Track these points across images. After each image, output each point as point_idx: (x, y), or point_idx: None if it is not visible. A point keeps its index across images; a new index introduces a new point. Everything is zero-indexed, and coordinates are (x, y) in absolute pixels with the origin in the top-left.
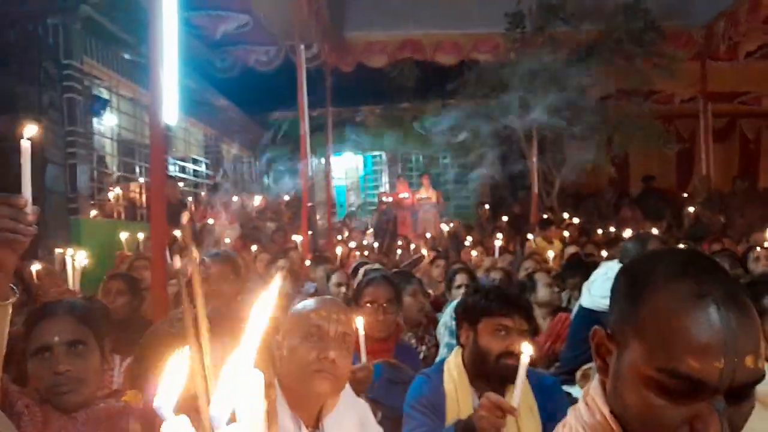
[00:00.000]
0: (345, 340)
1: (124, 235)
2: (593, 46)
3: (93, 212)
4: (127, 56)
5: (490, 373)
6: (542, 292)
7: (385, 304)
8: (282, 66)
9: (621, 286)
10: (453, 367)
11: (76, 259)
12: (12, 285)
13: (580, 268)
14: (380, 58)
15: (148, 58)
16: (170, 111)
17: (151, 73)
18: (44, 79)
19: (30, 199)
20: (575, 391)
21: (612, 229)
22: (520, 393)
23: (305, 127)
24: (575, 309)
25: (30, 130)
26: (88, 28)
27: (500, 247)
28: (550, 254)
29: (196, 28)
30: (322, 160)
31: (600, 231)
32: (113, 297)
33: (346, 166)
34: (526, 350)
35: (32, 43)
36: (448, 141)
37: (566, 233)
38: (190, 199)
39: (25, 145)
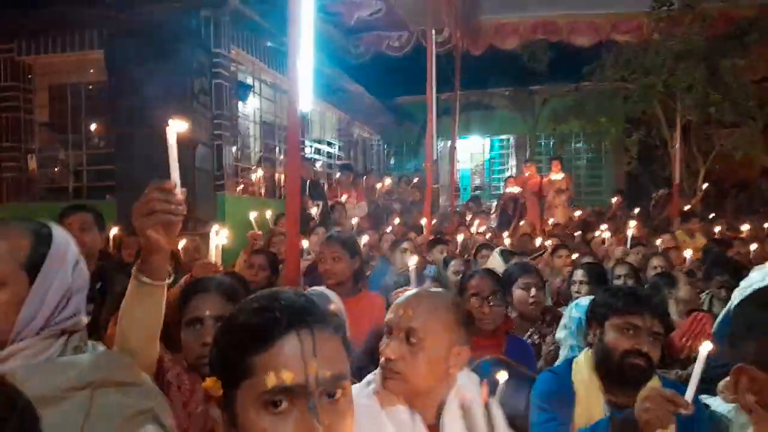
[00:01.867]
0: (410, 335)
1: (253, 215)
2: (752, 23)
3: (237, 189)
4: (269, 44)
5: (614, 372)
6: (683, 291)
7: (489, 297)
8: (411, 51)
9: None
10: (583, 366)
11: (220, 235)
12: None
13: (727, 267)
14: (512, 40)
15: (288, 47)
16: (305, 97)
17: (289, 62)
18: (196, 67)
19: (178, 183)
20: (715, 402)
21: (766, 225)
22: (693, 389)
23: (432, 110)
24: (722, 313)
25: (178, 125)
26: (235, 19)
27: (632, 238)
28: (687, 253)
29: (333, 15)
30: (448, 144)
31: (748, 227)
32: (255, 271)
33: (471, 150)
34: (705, 347)
35: (186, 35)
36: (581, 125)
37: (711, 228)
38: (322, 180)
39: (172, 136)
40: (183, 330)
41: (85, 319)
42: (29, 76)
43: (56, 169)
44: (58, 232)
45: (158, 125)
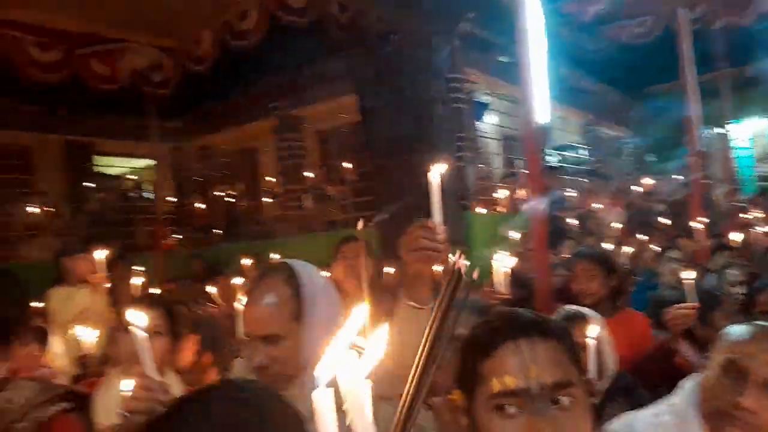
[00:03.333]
0: None
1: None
2: None
3: (482, 208)
4: (501, 59)
5: None
6: None
7: None
8: (658, 35)
9: None
10: None
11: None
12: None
13: None
14: None
15: (519, 60)
16: (542, 109)
17: (521, 77)
18: (434, 94)
19: (441, 221)
20: None
21: None
22: None
23: (692, 96)
24: None
25: (440, 167)
26: (466, 41)
27: None
28: None
29: (566, 16)
30: (717, 130)
31: None
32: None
33: (752, 133)
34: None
35: (421, 65)
36: None
37: None
38: (569, 190)
39: (435, 177)
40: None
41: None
42: (302, 126)
43: (327, 204)
44: (300, 269)
45: (407, 154)
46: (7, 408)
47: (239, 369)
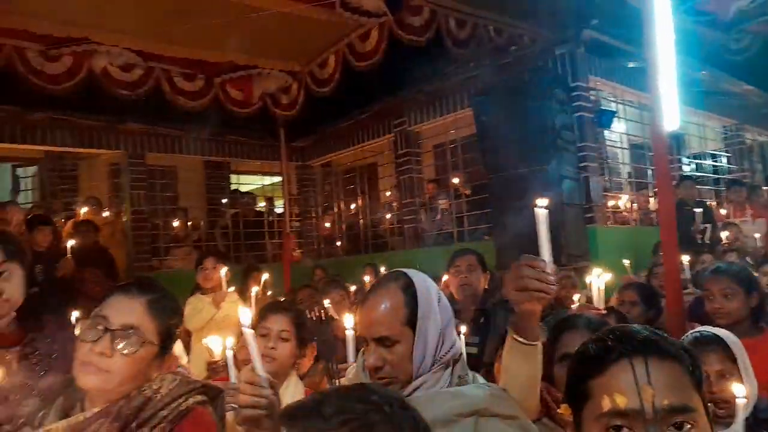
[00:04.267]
0: None
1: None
2: None
3: (608, 220)
4: (629, 65)
5: None
6: None
7: None
8: None
9: None
10: None
11: (601, 277)
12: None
13: None
14: None
15: (648, 65)
16: (672, 115)
17: (649, 83)
18: (556, 105)
19: (550, 260)
20: None
21: None
22: None
23: None
24: None
25: (544, 203)
26: (590, 48)
27: None
28: None
29: (703, 14)
30: None
31: None
32: (627, 307)
33: None
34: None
35: (543, 75)
36: None
37: None
38: (709, 200)
39: (542, 213)
40: (555, 365)
41: (460, 346)
42: (419, 142)
43: (441, 218)
44: (418, 279)
45: (524, 167)
46: (154, 397)
47: (351, 375)
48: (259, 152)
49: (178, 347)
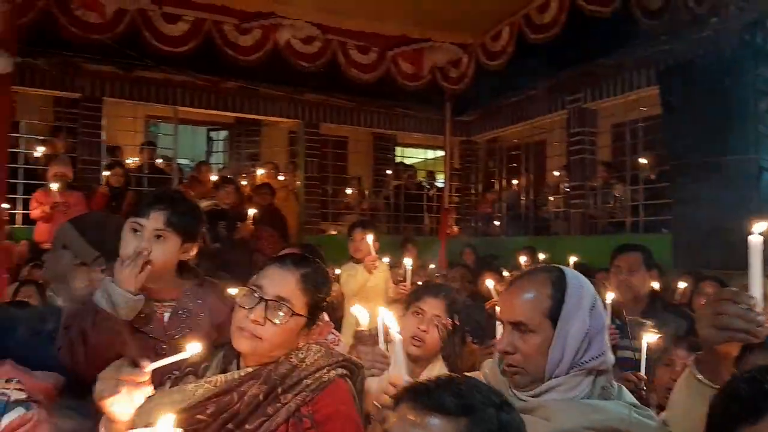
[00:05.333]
0: None
1: None
2: None
3: None
4: None
5: None
6: None
7: None
8: None
9: None
10: None
11: None
12: None
13: None
14: None
15: None
16: None
17: None
18: (760, 86)
19: (761, 297)
20: None
21: None
22: None
23: None
24: None
25: (761, 226)
26: None
27: None
28: None
29: None
30: None
31: None
32: None
33: None
34: None
35: (747, 51)
36: None
37: None
38: None
39: (757, 241)
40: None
41: (611, 359)
42: (594, 120)
43: (613, 204)
44: (572, 277)
45: (716, 154)
46: (299, 365)
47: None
48: (424, 126)
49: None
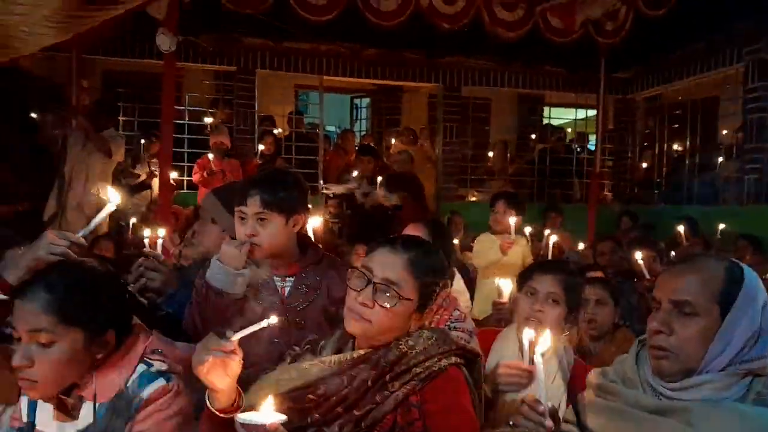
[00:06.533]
0: None
1: None
2: None
3: None
4: None
5: None
6: None
7: None
8: None
9: None
10: None
11: None
12: None
13: None
14: None
15: None
16: None
17: None
18: None
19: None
20: None
21: None
22: None
23: None
24: None
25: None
26: None
27: None
28: None
29: None
30: None
31: None
32: None
33: None
34: None
35: None
36: None
37: None
38: None
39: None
40: None
41: None
42: None
43: None
44: (749, 270)
45: None
46: (409, 353)
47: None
48: (575, 83)
49: (459, 284)
